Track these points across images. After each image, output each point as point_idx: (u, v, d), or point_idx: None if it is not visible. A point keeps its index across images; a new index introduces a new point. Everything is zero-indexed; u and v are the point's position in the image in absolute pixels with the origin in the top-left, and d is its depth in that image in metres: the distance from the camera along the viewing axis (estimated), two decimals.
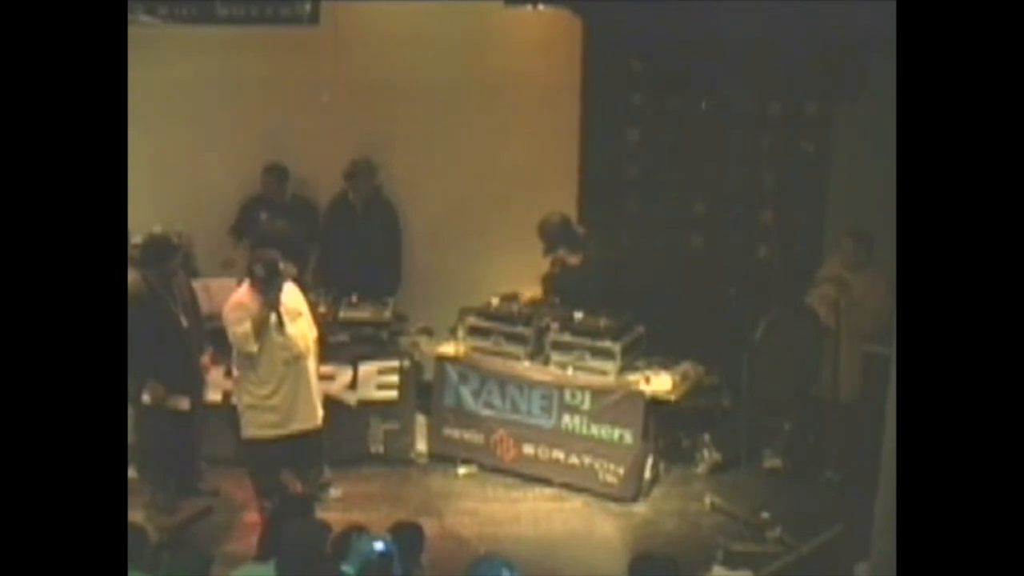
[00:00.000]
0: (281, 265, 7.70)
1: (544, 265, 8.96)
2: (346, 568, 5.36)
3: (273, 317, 7.64)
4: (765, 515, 7.99)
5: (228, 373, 8.27)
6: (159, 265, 7.91)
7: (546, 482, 8.60)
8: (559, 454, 8.56)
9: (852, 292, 8.37)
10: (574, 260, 8.86)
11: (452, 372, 8.83)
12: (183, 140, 9.35)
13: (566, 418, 8.51)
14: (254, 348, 7.64)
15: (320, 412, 8.02)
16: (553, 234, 8.79)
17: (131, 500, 7.74)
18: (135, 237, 8.42)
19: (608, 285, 8.78)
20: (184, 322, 7.97)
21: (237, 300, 7.73)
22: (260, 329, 7.62)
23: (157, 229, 8.30)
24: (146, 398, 7.85)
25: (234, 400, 8.09)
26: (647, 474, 8.50)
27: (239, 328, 7.64)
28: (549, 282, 8.97)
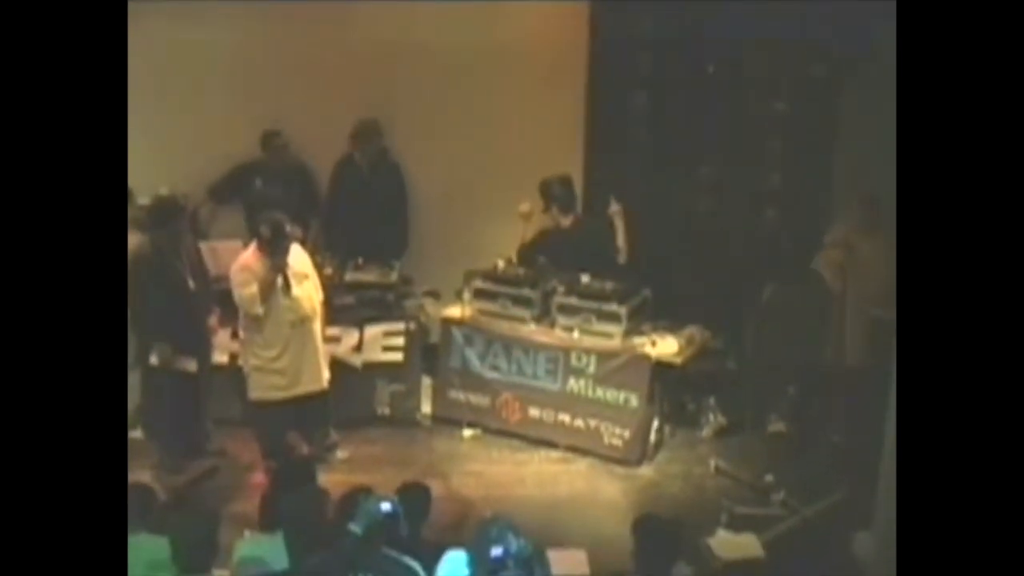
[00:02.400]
0: (288, 228, 7.70)
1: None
2: (353, 528, 5.39)
3: (279, 279, 7.65)
4: (769, 479, 8.02)
5: (235, 335, 8.28)
6: (166, 227, 7.90)
7: (551, 445, 8.63)
8: (564, 417, 8.58)
9: (859, 256, 8.35)
10: (565, 222, 8.84)
11: (458, 335, 8.84)
12: (188, 103, 9.31)
13: (572, 381, 8.53)
14: (260, 310, 7.66)
15: (326, 374, 8.04)
16: (549, 192, 8.78)
17: (138, 461, 7.89)
18: (142, 199, 8.44)
19: (599, 251, 8.74)
20: (191, 284, 7.98)
21: (243, 262, 7.74)
22: (266, 292, 7.63)
23: (164, 191, 8.30)
24: (153, 359, 7.87)
25: (240, 362, 8.11)
26: (652, 437, 8.52)
27: (245, 290, 7.65)
28: (536, 242, 8.93)
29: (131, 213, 8.35)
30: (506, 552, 5.29)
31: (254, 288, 7.62)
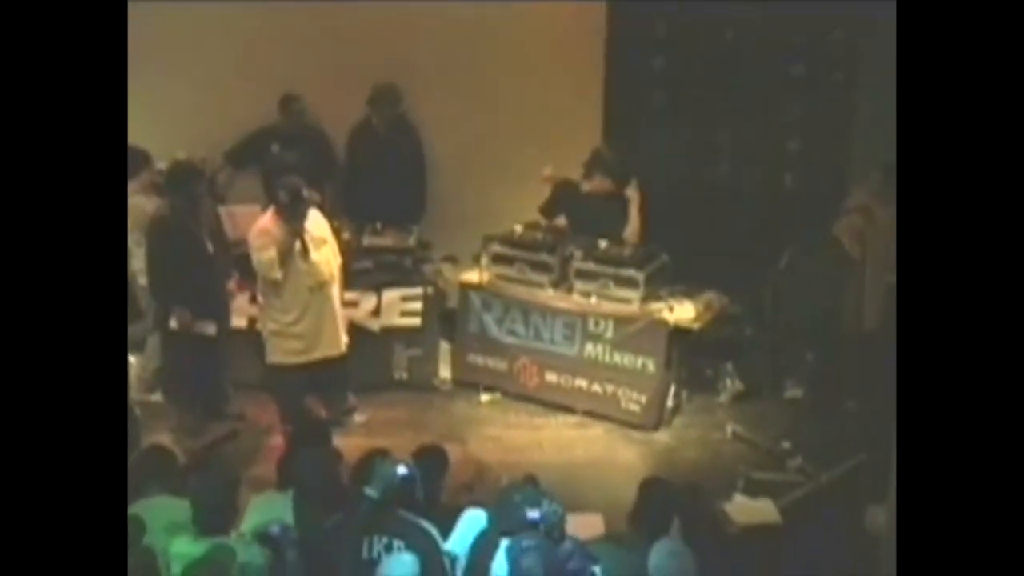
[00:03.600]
0: (305, 192, 7.70)
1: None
2: (369, 491, 5.41)
3: (297, 244, 7.67)
4: (786, 444, 8.04)
5: (253, 299, 8.32)
6: (184, 191, 7.92)
7: (568, 410, 8.65)
8: (582, 382, 8.60)
9: (878, 222, 8.31)
10: (588, 186, 8.82)
11: (475, 299, 8.85)
12: (206, 68, 9.31)
13: (589, 346, 8.54)
14: (278, 275, 7.68)
15: (344, 339, 8.07)
16: (591, 161, 8.76)
17: (158, 423, 7.97)
18: (160, 163, 8.46)
19: (617, 218, 8.73)
20: (210, 248, 7.99)
21: (262, 226, 7.75)
22: (285, 256, 7.65)
23: (181, 155, 8.31)
24: (173, 323, 7.91)
25: (259, 326, 8.14)
26: (669, 402, 8.53)
27: (264, 255, 7.67)
28: (555, 198, 8.92)
29: (149, 177, 8.43)
30: (542, 515, 5.32)
31: (272, 252, 7.64)
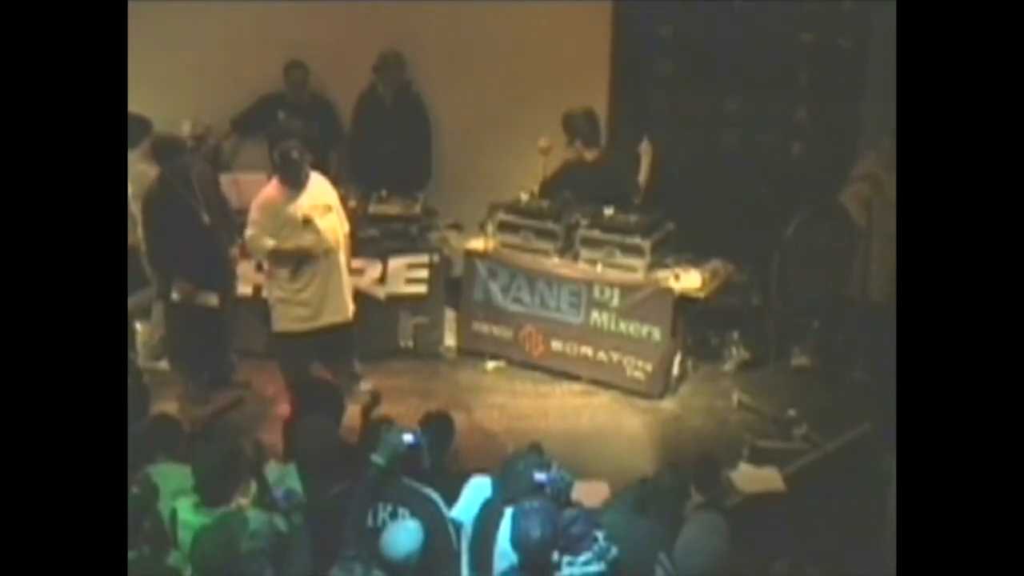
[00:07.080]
0: (296, 153, 7.64)
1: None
2: (376, 459, 5.42)
3: (300, 214, 7.65)
4: (792, 413, 8.02)
5: (259, 267, 8.30)
6: (170, 163, 7.87)
7: (574, 377, 8.65)
8: (587, 350, 8.59)
9: (886, 191, 8.28)
10: (589, 156, 8.78)
11: (481, 267, 8.84)
12: (212, 35, 9.26)
13: (595, 314, 8.53)
14: (264, 257, 7.71)
15: (350, 306, 8.06)
16: (572, 126, 8.71)
17: (165, 391, 7.98)
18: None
19: (622, 187, 8.69)
20: (206, 218, 7.93)
21: (266, 199, 7.72)
22: (279, 256, 7.64)
23: (185, 124, 8.29)
24: (175, 295, 7.91)
25: (265, 294, 8.14)
26: (675, 371, 8.53)
27: (259, 238, 7.66)
28: (559, 175, 8.88)
29: (151, 146, 8.39)
30: (549, 479, 5.33)
31: (266, 244, 7.63)
